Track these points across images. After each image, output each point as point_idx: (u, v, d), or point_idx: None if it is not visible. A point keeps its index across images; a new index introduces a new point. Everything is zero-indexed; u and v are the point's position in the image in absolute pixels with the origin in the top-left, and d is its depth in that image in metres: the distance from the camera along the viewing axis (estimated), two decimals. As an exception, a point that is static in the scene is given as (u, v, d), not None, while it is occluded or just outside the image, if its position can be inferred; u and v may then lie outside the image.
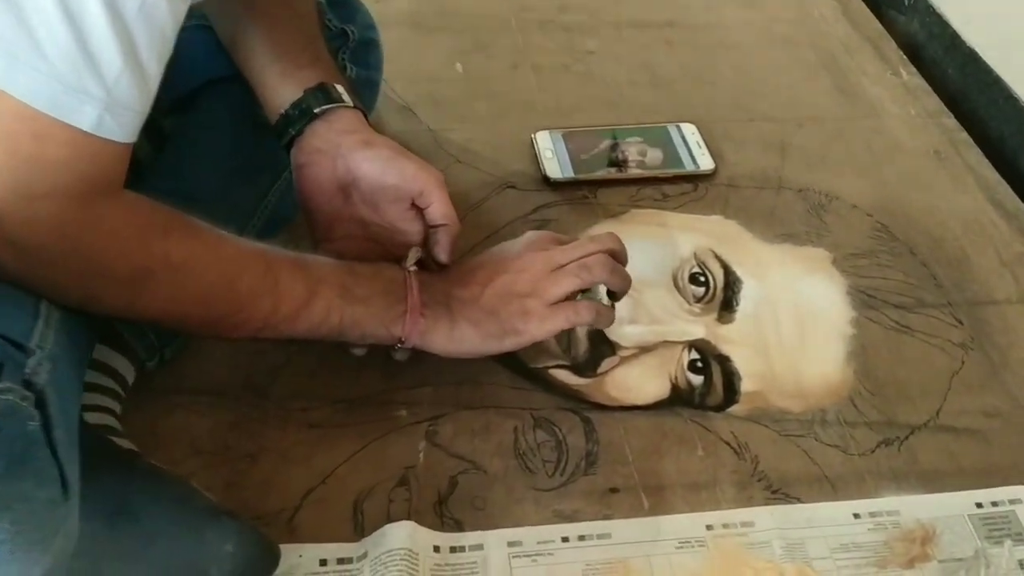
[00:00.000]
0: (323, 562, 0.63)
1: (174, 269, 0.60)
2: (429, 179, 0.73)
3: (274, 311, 0.64)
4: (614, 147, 1.00)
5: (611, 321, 0.74)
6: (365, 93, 0.94)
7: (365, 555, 0.63)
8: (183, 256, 0.60)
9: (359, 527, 0.66)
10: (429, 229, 0.74)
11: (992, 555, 0.66)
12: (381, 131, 0.80)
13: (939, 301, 0.86)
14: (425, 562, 0.63)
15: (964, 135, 1.06)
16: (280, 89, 0.76)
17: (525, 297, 0.70)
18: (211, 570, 0.56)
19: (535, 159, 0.98)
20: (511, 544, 0.65)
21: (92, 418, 0.65)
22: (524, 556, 0.65)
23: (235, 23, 0.80)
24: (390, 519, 0.65)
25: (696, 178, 0.98)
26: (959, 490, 0.71)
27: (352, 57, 0.93)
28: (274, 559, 0.59)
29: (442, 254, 0.73)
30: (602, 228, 0.90)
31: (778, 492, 0.70)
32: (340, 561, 0.64)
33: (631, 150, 1.00)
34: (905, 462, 0.73)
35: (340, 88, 0.75)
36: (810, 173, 1.00)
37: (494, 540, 0.66)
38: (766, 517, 0.68)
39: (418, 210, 0.74)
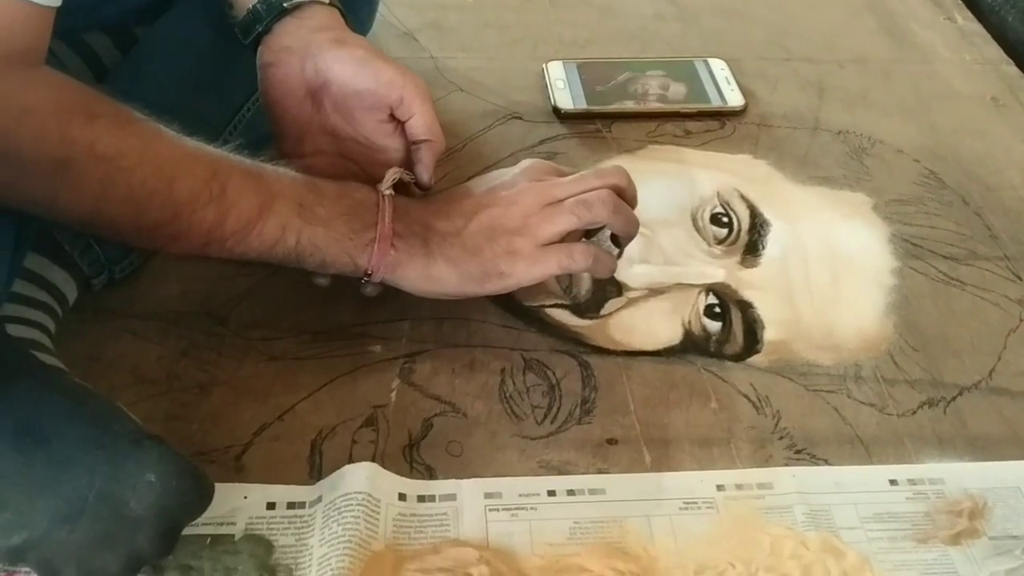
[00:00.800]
0: (271, 505, 0.55)
1: (99, 160, 0.51)
2: (409, 86, 0.64)
3: (219, 224, 0.55)
4: (632, 80, 0.90)
5: (612, 270, 0.65)
6: (362, 9, 0.86)
7: (319, 499, 0.55)
8: (110, 147, 0.51)
9: (316, 469, 0.57)
10: (410, 146, 0.66)
11: (1053, 534, 0.57)
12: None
13: (994, 254, 0.76)
14: (387, 510, 0.54)
15: (1025, 82, 0.96)
16: None
17: (513, 235, 0.61)
18: (130, 502, 0.48)
19: (545, 89, 0.89)
20: (488, 496, 0.56)
21: (16, 331, 0.57)
22: (503, 509, 0.56)
23: None
24: (352, 461, 0.57)
25: (723, 115, 0.88)
26: (1015, 459, 0.61)
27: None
28: (205, 494, 0.50)
29: (424, 174, 0.65)
30: (614, 163, 0.81)
31: (802, 452, 0.61)
32: (290, 505, 0.55)
33: (652, 83, 0.90)
34: (952, 425, 0.63)
35: None
36: (850, 115, 0.90)
37: (469, 490, 0.57)
38: (787, 479, 0.59)
39: (398, 123, 0.65)
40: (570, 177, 0.65)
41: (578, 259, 0.62)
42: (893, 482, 0.59)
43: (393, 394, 0.62)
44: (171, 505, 0.48)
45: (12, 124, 0.49)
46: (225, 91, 0.75)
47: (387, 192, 0.62)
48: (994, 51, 1.01)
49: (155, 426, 0.56)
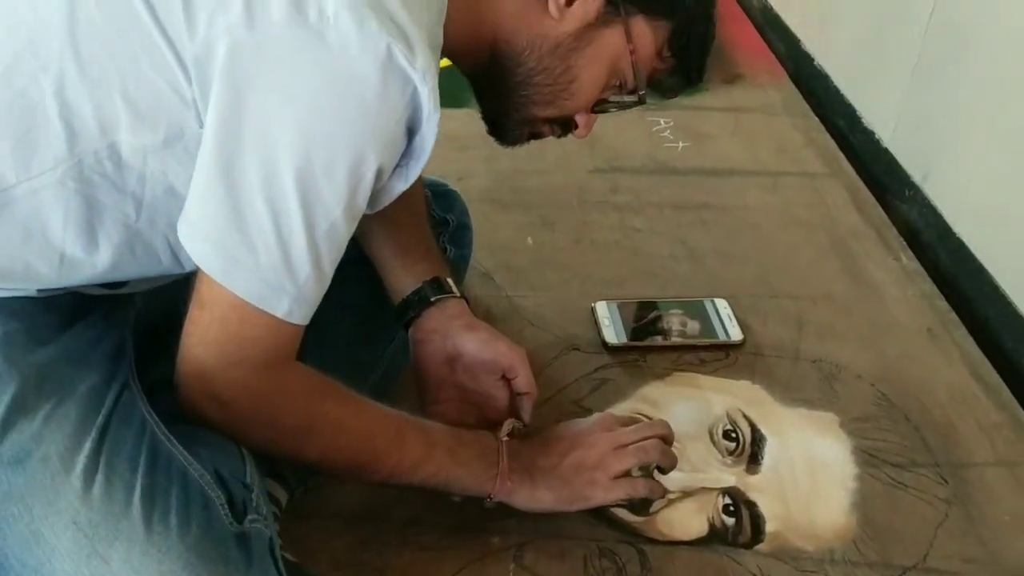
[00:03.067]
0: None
1: (330, 425, 0.79)
2: (516, 356, 0.94)
3: (399, 464, 0.82)
4: (659, 318, 1.21)
5: (661, 495, 0.94)
6: (459, 267, 1.17)
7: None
8: (337, 415, 0.80)
9: (467, 633, 0.84)
10: (515, 395, 0.95)
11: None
12: (467, 295, 1.02)
13: (928, 462, 1.05)
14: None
15: (953, 316, 1.27)
16: (403, 279, 0.97)
17: (594, 470, 0.89)
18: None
19: (594, 325, 1.19)
20: (584, 652, 0.83)
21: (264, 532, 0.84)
22: (595, 662, 0.82)
23: (366, 221, 1.02)
24: (490, 629, 0.84)
25: (728, 347, 1.18)
26: (942, 623, 0.88)
27: (450, 239, 1.15)
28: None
29: (525, 416, 0.95)
30: (650, 389, 1.11)
31: (794, 618, 0.88)
32: (452, 659, 0.82)
33: (674, 320, 1.21)
34: (897, 598, 0.91)
35: (449, 281, 0.97)
36: (822, 345, 1.20)
37: (571, 648, 0.83)
38: (786, 640, 0.86)
39: (506, 380, 0.95)
40: (631, 427, 0.94)
41: (640, 490, 0.92)
42: (857, 640, 0.87)
43: (512, 575, 0.89)
44: None
45: (279, 402, 0.76)
46: (373, 338, 1.03)
47: (504, 438, 0.90)
48: (930, 287, 1.32)
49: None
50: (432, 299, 0.95)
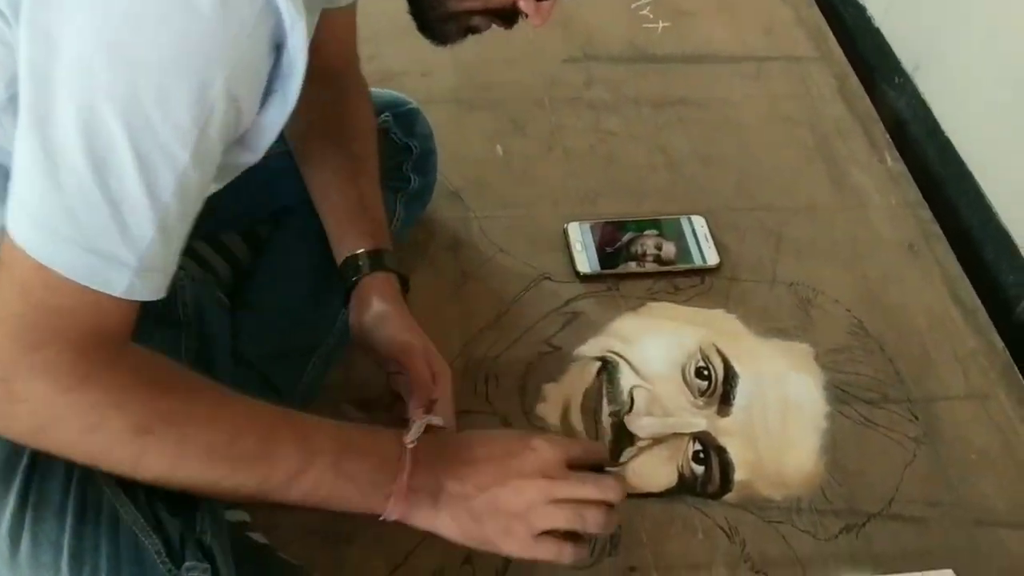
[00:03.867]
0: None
1: (172, 426, 0.62)
2: (416, 364, 0.84)
3: (266, 479, 0.66)
4: (634, 240, 1.16)
5: (588, 563, 0.85)
6: (424, 196, 1.11)
7: (443, 624, 0.83)
8: (183, 415, 0.63)
9: (438, 599, 0.85)
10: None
11: (919, 628, 0.87)
12: (433, 219, 0.99)
13: (900, 397, 1.04)
14: (488, 631, 0.83)
15: (936, 228, 1.23)
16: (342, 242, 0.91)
17: (513, 518, 0.71)
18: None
19: (566, 249, 1.15)
20: (555, 616, 0.85)
21: (230, 515, 0.83)
22: (565, 626, 0.84)
23: (305, 167, 0.95)
24: (460, 592, 0.85)
25: (703, 271, 1.15)
26: (900, 572, 0.90)
27: (414, 167, 1.09)
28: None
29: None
30: (622, 322, 1.08)
31: (760, 572, 0.89)
32: (423, 628, 0.83)
33: (649, 243, 1.16)
34: (861, 547, 0.92)
35: (388, 258, 0.90)
36: (800, 265, 1.17)
37: (541, 612, 0.85)
38: (750, 595, 0.88)
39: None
40: (575, 479, 0.73)
41: (565, 558, 0.72)
42: (819, 594, 0.89)
43: (480, 536, 0.89)
44: None
45: (99, 397, 0.60)
46: (330, 292, 0.98)
47: (410, 444, 0.71)
48: (914, 193, 1.28)
49: (328, 572, 0.83)
50: (354, 280, 0.89)
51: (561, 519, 0.72)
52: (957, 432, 1.02)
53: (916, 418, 1.03)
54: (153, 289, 0.61)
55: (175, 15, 0.55)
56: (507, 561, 0.88)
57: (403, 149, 1.08)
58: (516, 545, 0.72)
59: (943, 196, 1.29)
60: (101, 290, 0.59)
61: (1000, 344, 1.10)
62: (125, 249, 0.58)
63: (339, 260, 0.91)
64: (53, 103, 0.56)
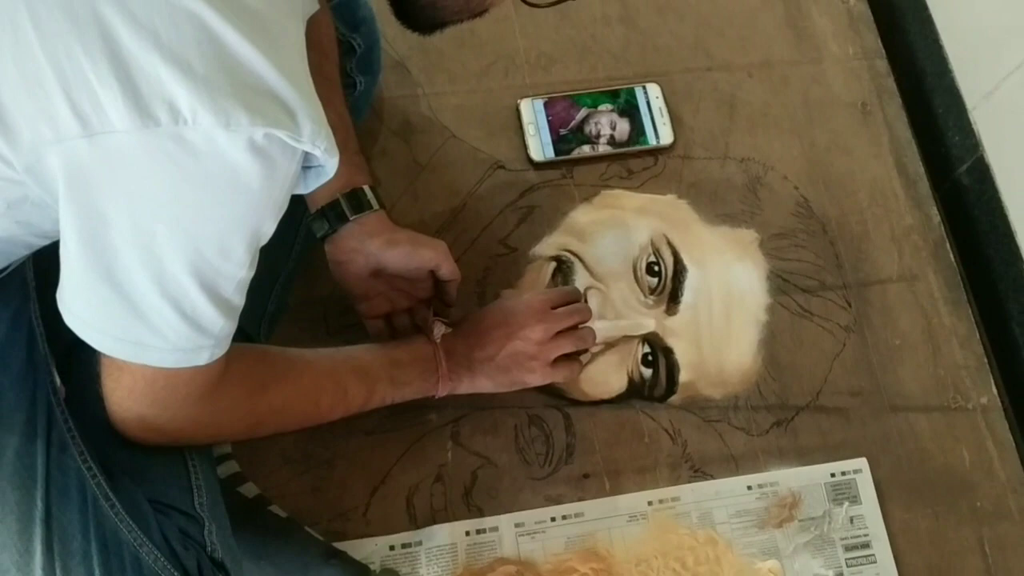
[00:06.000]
0: (391, 547, 0.94)
1: (275, 412, 0.81)
2: (439, 255, 0.94)
3: (346, 411, 0.87)
4: (588, 119, 1.14)
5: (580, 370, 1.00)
6: (370, 92, 1.07)
7: (420, 543, 0.94)
8: (281, 400, 0.81)
9: (412, 518, 0.96)
10: (440, 282, 0.96)
11: (834, 513, 1.00)
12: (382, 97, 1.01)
13: (836, 283, 1.11)
14: (461, 545, 0.94)
15: (891, 82, 1.22)
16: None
17: (531, 358, 0.94)
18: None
19: (520, 130, 1.13)
20: (517, 525, 0.96)
21: (222, 469, 0.90)
22: (526, 534, 0.96)
23: None
24: (433, 510, 0.96)
25: (657, 151, 1.14)
26: (822, 462, 1.02)
27: (358, 66, 1.04)
28: (371, 584, 0.89)
29: (450, 300, 0.97)
30: (577, 215, 1.10)
31: (698, 471, 1.01)
32: (404, 546, 0.94)
33: (603, 121, 1.15)
34: (789, 440, 1.03)
35: (367, 191, 0.91)
36: (752, 137, 1.17)
37: (505, 523, 0.96)
38: (688, 492, 1.00)
39: (430, 272, 0.95)
40: (562, 311, 0.96)
41: (575, 372, 0.98)
42: (749, 487, 1.01)
43: (449, 453, 0.99)
44: None
45: (221, 418, 0.76)
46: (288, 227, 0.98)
47: (438, 340, 0.93)
48: (872, 39, 1.25)
49: (306, 498, 0.93)
50: (351, 217, 0.90)
51: (568, 345, 0.95)
52: (885, 317, 1.10)
53: (849, 305, 1.10)
54: (227, 347, 0.71)
55: (227, 195, 0.61)
56: (474, 478, 0.98)
57: (347, 50, 1.02)
58: (539, 376, 0.95)
59: (901, 43, 1.26)
60: (191, 366, 0.69)
61: (936, 218, 1.15)
62: (204, 338, 0.68)
63: (318, 199, 0.90)
64: (116, 260, 0.62)
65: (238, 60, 0.57)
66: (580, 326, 0.97)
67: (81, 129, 0.57)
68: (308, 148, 0.61)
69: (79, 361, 0.78)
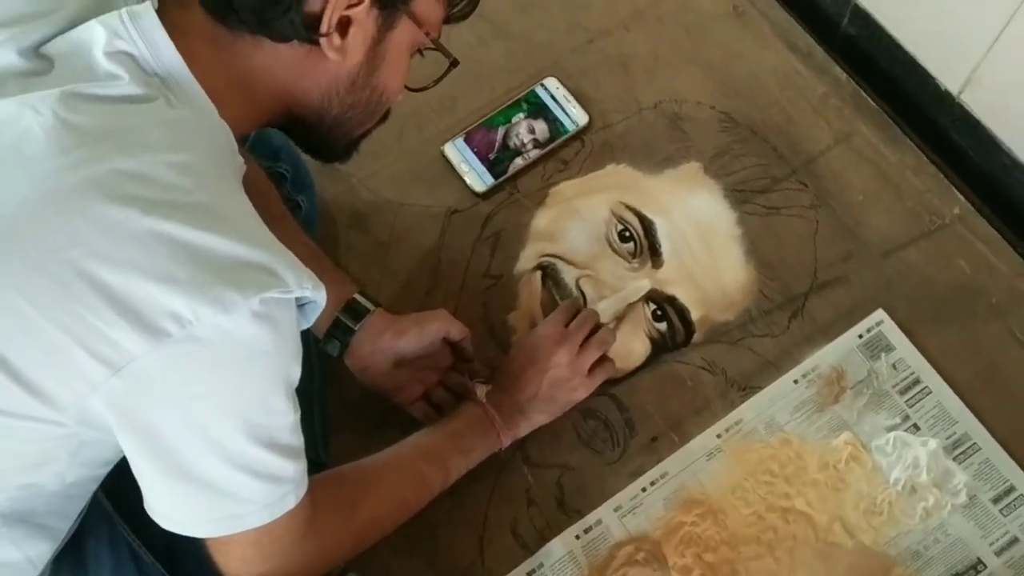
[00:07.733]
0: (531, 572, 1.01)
1: (369, 523, 0.89)
2: (445, 322, 1.01)
3: (431, 494, 0.95)
4: (507, 135, 1.21)
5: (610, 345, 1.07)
6: (313, 205, 1.15)
7: (542, 564, 1.01)
8: (373, 512, 0.89)
9: (524, 546, 1.02)
10: (455, 343, 1.03)
11: (876, 368, 1.07)
12: (325, 202, 1.11)
13: (785, 172, 1.18)
14: (577, 550, 1.01)
15: (751, -23, 1.29)
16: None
17: (568, 380, 1.02)
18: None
19: (454, 172, 1.20)
20: (615, 509, 1.03)
21: (344, 584, 0.97)
22: (627, 513, 1.03)
23: None
24: (538, 531, 1.02)
25: (580, 134, 1.21)
26: (846, 331, 1.09)
27: (293, 188, 1.12)
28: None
29: (468, 356, 1.04)
30: (539, 221, 1.17)
31: (746, 388, 1.07)
32: (529, 574, 1.01)
33: (521, 131, 1.21)
34: (809, 325, 1.10)
35: (360, 299, 0.98)
36: (654, 82, 1.24)
37: (605, 512, 1.03)
38: (746, 411, 1.06)
39: (443, 340, 1.02)
40: (575, 323, 1.04)
41: (611, 370, 1.06)
42: (795, 381, 1.07)
43: (529, 476, 1.05)
44: None
45: (327, 553, 0.84)
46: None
47: (483, 400, 1.00)
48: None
49: (426, 574, 0.99)
50: (355, 328, 0.97)
51: (595, 351, 1.03)
52: (840, 182, 1.17)
53: (805, 186, 1.17)
54: (306, 483, 0.77)
55: (251, 366, 0.67)
56: (560, 487, 1.04)
57: (278, 178, 1.08)
58: (583, 391, 1.04)
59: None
60: (284, 512, 0.74)
61: (843, 75, 1.23)
62: (284, 486, 0.74)
63: (320, 325, 0.97)
64: (184, 459, 0.68)
65: (209, 252, 0.64)
66: (596, 330, 1.05)
67: (109, 371, 0.64)
68: (298, 293, 0.68)
69: (182, 551, 0.84)
